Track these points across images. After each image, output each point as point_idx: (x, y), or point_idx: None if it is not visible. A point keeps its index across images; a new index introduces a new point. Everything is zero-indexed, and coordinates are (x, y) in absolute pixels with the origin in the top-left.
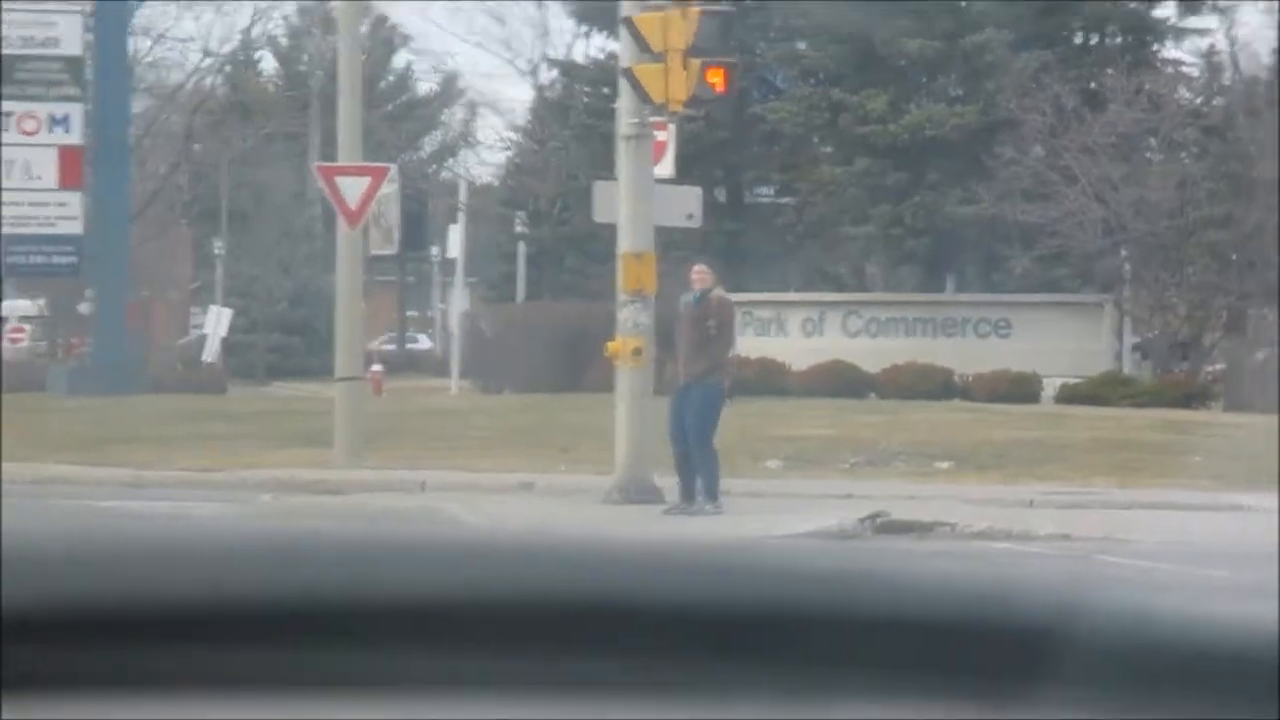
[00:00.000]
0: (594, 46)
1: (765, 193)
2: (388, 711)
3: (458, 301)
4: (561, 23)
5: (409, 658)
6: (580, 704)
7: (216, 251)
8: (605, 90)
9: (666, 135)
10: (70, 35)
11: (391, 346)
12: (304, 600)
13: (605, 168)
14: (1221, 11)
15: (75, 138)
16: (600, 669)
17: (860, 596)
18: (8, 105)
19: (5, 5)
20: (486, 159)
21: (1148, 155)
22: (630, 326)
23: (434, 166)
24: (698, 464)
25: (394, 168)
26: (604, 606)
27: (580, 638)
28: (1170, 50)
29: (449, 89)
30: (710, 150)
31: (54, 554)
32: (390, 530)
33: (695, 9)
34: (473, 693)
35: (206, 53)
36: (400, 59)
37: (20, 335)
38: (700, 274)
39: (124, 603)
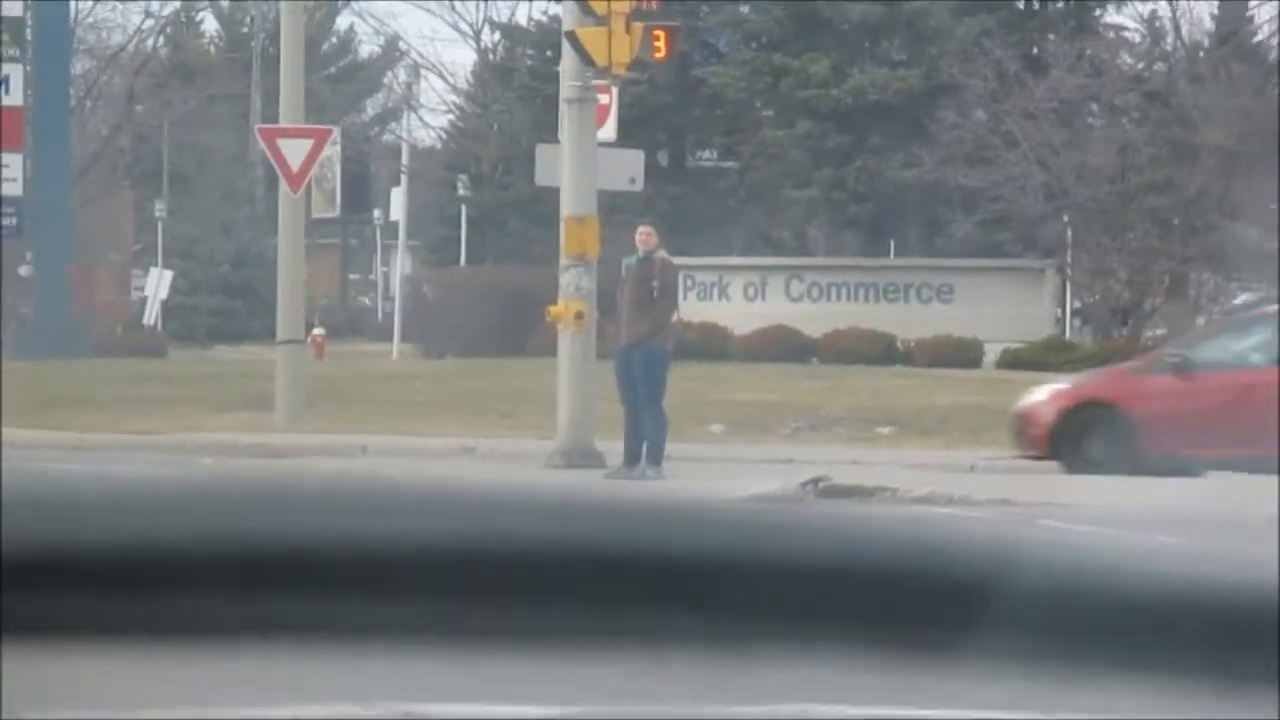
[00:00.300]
0: (537, 9)
1: (707, 156)
2: (343, 657)
3: (400, 265)
4: None
5: (361, 605)
6: (517, 651)
7: (158, 214)
8: (548, 53)
9: (609, 99)
10: None
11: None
12: (278, 548)
13: (548, 131)
14: None
15: (15, 99)
16: (538, 617)
17: (797, 547)
18: None
19: None
20: (429, 122)
21: (1089, 120)
22: (572, 290)
23: (376, 129)
24: (645, 427)
25: (336, 130)
26: (540, 555)
27: (517, 586)
28: (1112, 15)
29: (391, 51)
30: (653, 114)
31: (41, 501)
32: (358, 480)
33: None
34: (410, 640)
35: (148, 14)
36: (343, 21)
37: None
38: (645, 235)
39: (96, 550)
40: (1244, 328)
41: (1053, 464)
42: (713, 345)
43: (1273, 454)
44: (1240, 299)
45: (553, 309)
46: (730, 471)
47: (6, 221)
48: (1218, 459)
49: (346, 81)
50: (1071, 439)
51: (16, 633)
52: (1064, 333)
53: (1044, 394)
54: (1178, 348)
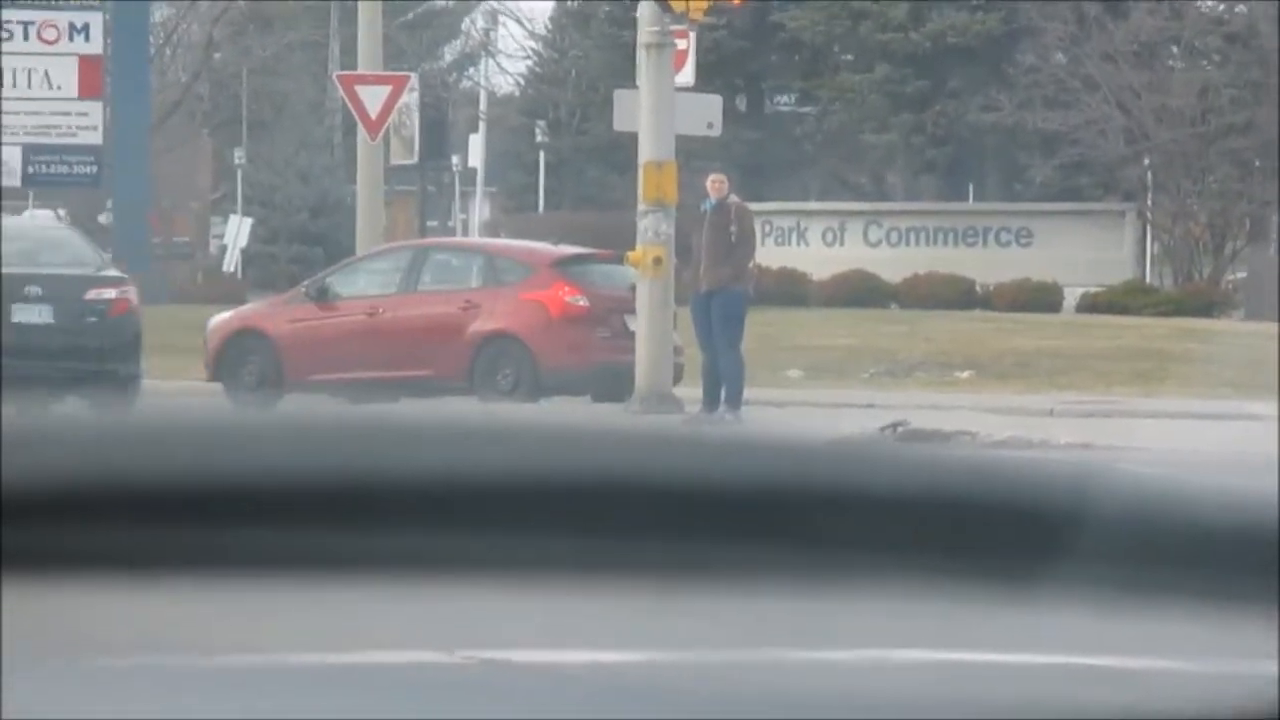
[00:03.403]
0: None
1: (785, 101)
2: (386, 590)
3: (478, 211)
4: None
5: (417, 537)
6: (592, 588)
7: (237, 161)
8: None
9: (687, 44)
10: None
11: None
12: (308, 480)
13: (626, 77)
14: None
15: (95, 47)
16: (613, 551)
17: (871, 476)
18: (28, 14)
19: None
20: (507, 68)
21: (1170, 63)
22: (650, 236)
23: (454, 75)
24: (724, 371)
25: (414, 77)
26: (614, 488)
27: (591, 520)
28: None
29: None
30: (730, 58)
31: (51, 432)
32: (396, 411)
33: None
34: (474, 571)
35: None
36: None
37: None
38: (717, 183)
39: (123, 482)
40: (374, 258)
41: (1129, 407)
42: (791, 290)
43: (395, 375)
44: None
45: (631, 254)
46: (809, 416)
47: (87, 169)
48: (354, 382)
49: (424, 28)
50: (230, 364)
51: (77, 565)
52: (1145, 276)
53: (216, 321)
54: (318, 276)
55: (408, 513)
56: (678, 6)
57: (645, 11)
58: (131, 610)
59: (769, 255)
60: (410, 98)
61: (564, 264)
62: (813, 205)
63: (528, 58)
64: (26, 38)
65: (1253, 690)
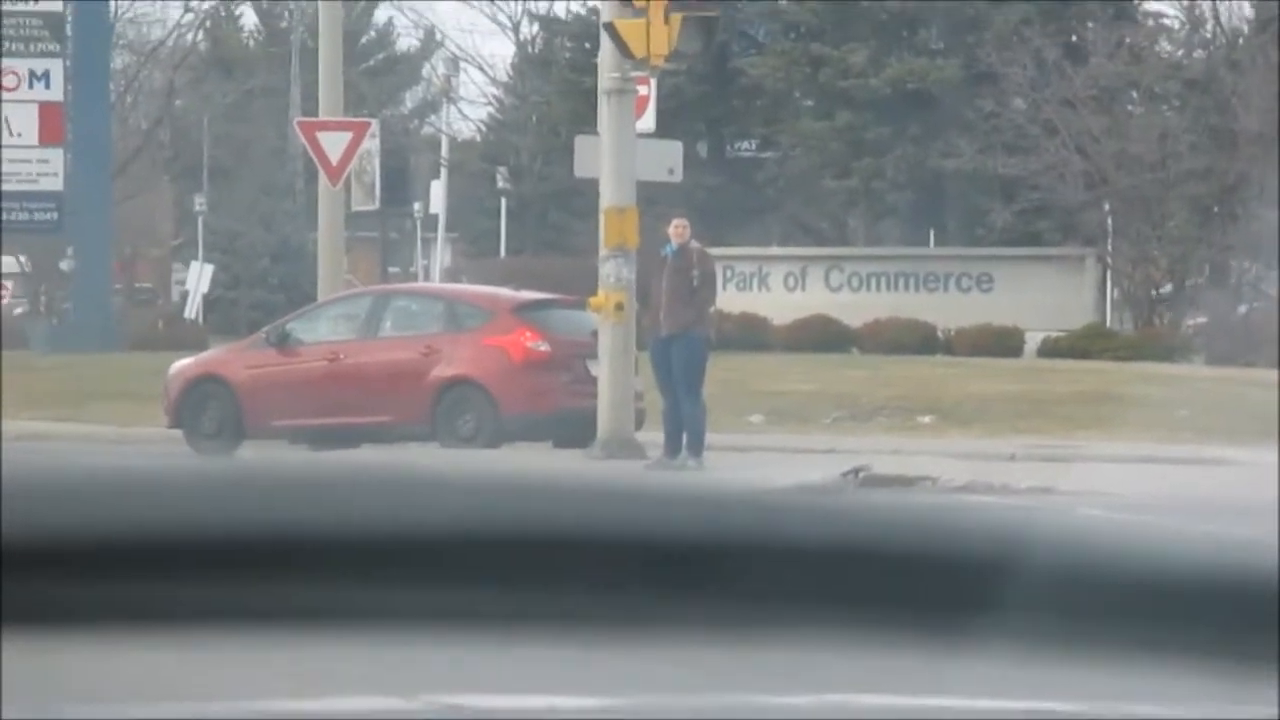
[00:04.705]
0: (575, 1)
1: (746, 147)
2: (353, 643)
3: (440, 257)
4: None
5: (363, 591)
6: (546, 639)
7: (198, 208)
8: (587, 45)
9: (648, 89)
10: None
11: None
12: (288, 534)
13: (587, 123)
14: None
15: (56, 94)
16: (563, 603)
17: (806, 529)
18: None
19: None
20: (468, 114)
21: (1129, 108)
22: (612, 281)
23: (415, 122)
24: (685, 417)
25: (375, 123)
26: (562, 540)
27: (541, 571)
28: (1151, 3)
29: (430, 44)
30: (691, 104)
31: (44, 487)
32: (357, 466)
33: None
34: (432, 621)
35: (187, 8)
36: (381, 14)
37: (1, 293)
38: (680, 228)
39: (110, 537)
40: (335, 304)
41: (1090, 452)
42: (752, 335)
43: (356, 421)
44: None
45: (593, 300)
46: (771, 462)
47: (48, 215)
48: (314, 428)
49: (385, 74)
50: (191, 411)
51: (50, 622)
52: (1105, 321)
53: (177, 367)
54: (278, 322)
55: (370, 564)
56: (639, 52)
57: (606, 58)
58: (104, 662)
59: (730, 300)
60: (371, 144)
61: (525, 309)
62: (774, 250)
63: (489, 104)
64: None
65: None
